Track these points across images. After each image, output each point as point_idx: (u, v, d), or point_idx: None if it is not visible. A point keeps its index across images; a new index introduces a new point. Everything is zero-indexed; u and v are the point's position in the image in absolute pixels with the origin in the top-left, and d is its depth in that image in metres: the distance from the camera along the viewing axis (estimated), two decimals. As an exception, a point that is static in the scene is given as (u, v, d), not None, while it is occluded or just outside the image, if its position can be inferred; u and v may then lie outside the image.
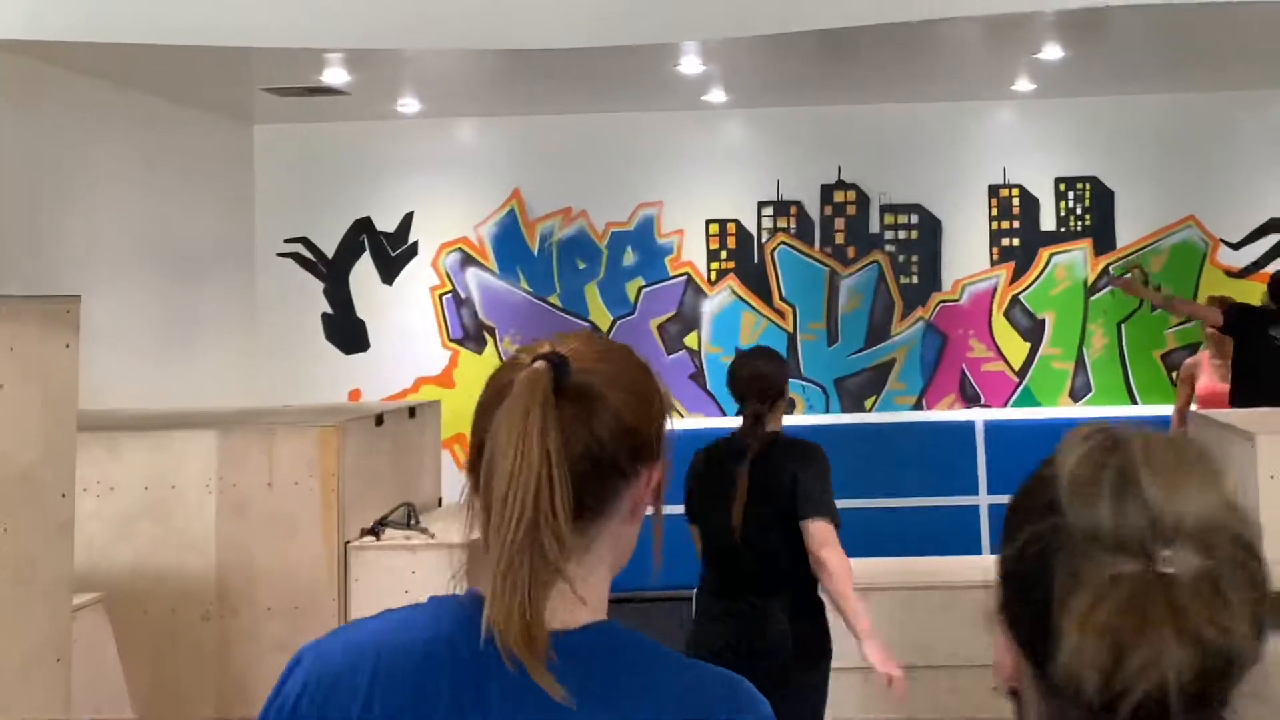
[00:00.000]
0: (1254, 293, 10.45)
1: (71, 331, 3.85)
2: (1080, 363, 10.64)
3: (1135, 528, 1.24)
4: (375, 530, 6.10)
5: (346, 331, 11.08)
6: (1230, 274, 10.56)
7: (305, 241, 11.07)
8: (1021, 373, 10.66)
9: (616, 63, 8.72)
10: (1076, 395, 10.63)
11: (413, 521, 6.22)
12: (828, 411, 10.72)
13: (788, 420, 10.40)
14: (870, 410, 10.71)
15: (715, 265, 10.87)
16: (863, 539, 9.35)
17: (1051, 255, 10.69)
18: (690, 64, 8.91)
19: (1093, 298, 10.66)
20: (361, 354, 11.05)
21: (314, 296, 11.09)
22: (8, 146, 7.98)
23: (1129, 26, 8.28)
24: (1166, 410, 10.05)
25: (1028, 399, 10.63)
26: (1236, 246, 10.57)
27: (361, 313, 11.07)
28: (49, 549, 3.75)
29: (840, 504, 9.73)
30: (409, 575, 5.94)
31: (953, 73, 9.62)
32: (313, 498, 5.96)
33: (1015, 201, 10.72)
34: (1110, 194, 10.67)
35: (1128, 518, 1.25)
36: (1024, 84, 10.02)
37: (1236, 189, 10.53)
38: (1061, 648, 1.23)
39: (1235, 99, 10.48)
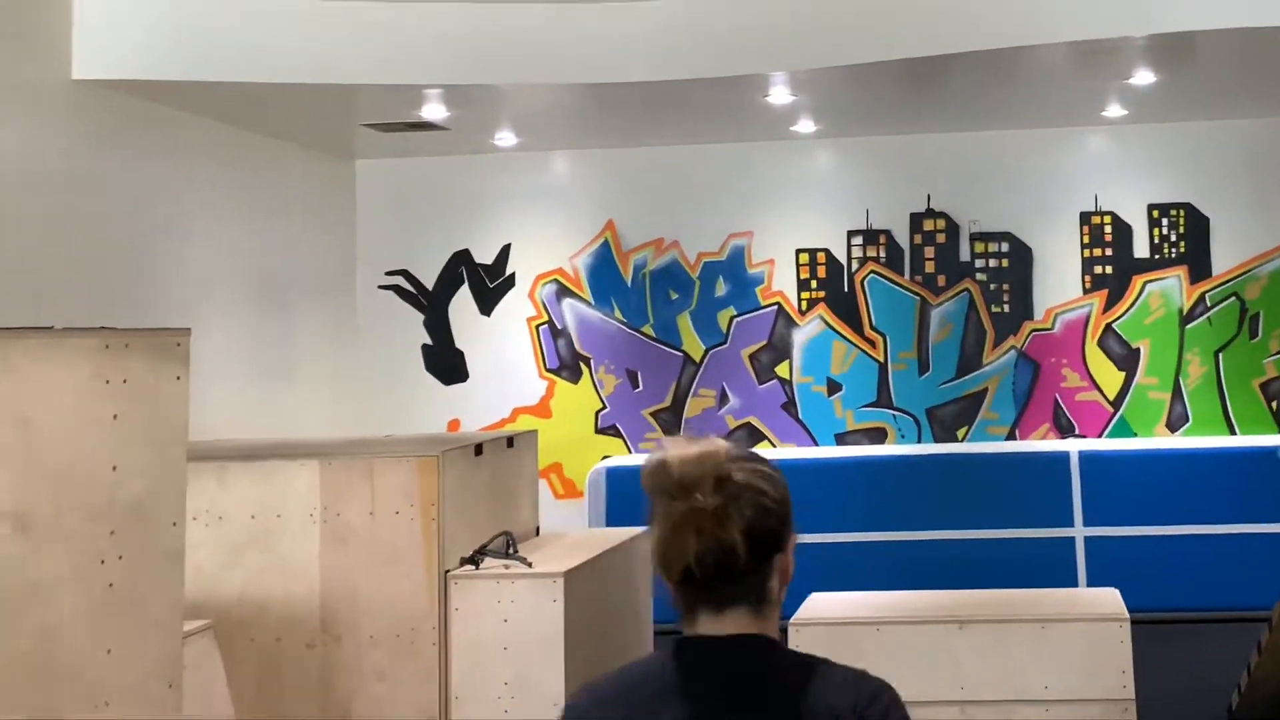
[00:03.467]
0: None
1: (181, 364, 4.00)
2: (1177, 392, 10.55)
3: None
4: (474, 559, 6.21)
5: (446, 362, 11.27)
6: (1323, 303, 10.43)
7: (405, 274, 11.29)
8: (1116, 402, 10.59)
9: (706, 94, 8.84)
10: (1174, 425, 10.52)
11: (511, 550, 6.32)
12: (919, 441, 10.72)
13: (881, 449, 10.50)
14: (963, 440, 10.69)
15: (806, 295, 10.93)
16: (956, 571, 9.39)
17: (1145, 283, 10.62)
18: (779, 94, 9.00)
19: (1189, 325, 10.57)
20: (460, 384, 11.23)
21: (414, 328, 11.29)
22: (118, 183, 8.23)
23: (1219, 50, 8.24)
24: (1267, 440, 9.95)
25: (1124, 429, 10.54)
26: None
27: (460, 343, 11.26)
28: (161, 577, 3.89)
29: (932, 535, 9.87)
30: (509, 604, 6.04)
31: (1042, 99, 9.60)
32: (413, 527, 6.08)
33: (1107, 228, 10.66)
34: (1205, 220, 10.59)
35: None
36: (1115, 109, 9.97)
37: (1334, 213, 10.41)
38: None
39: (1332, 122, 10.37)
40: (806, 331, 10.91)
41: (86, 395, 3.66)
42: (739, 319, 10.97)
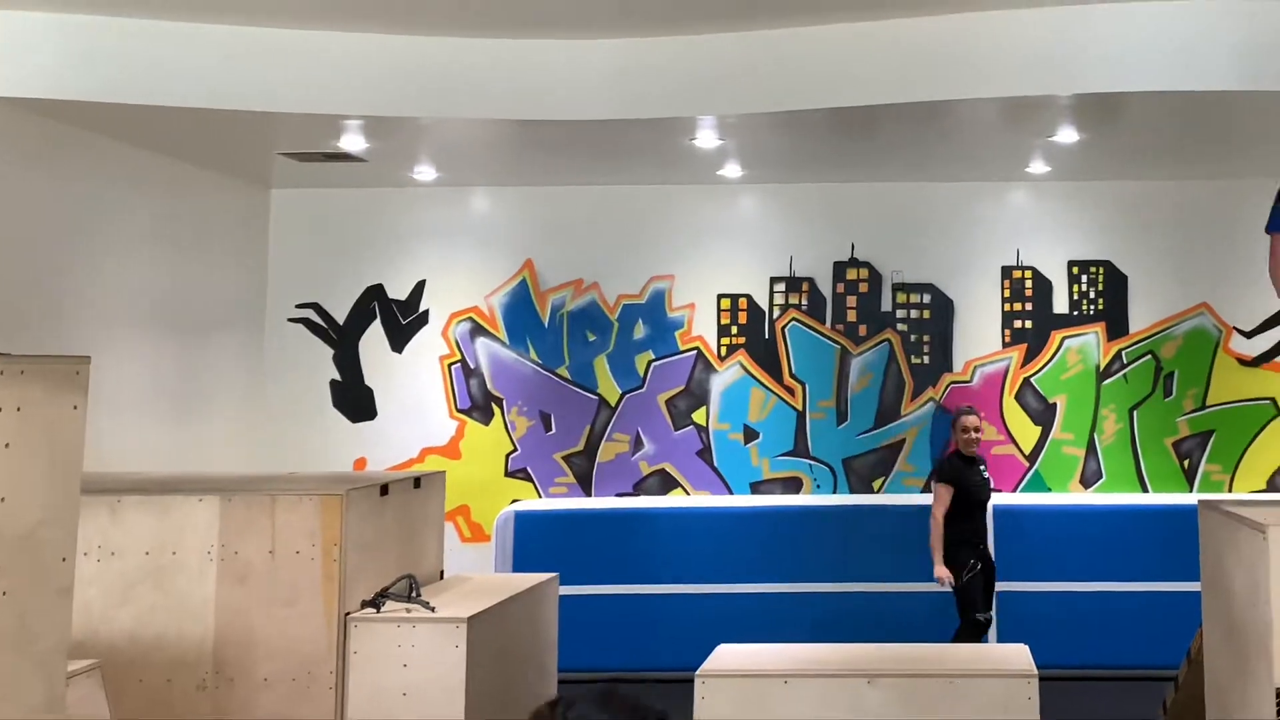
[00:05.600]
0: (1266, 381, 10.41)
1: (79, 393, 3.80)
2: (1092, 448, 10.56)
3: None
4: (376, 602, 6.03)
5: (354, 399, 11.04)
6: (1243, 362, 10.50)
7: (317, 307, 11.06)
8: (1032, 457, 10.58)
9: (633, 135, 8.74)
10: (1088, 481, 10.53)
11: (414, 594, 6.14)
12: (835, 492, 10.64)
13: (796, 499, 10.39)
14: (879, 491, 10.63)
15: (726, 340, 10.83)
16: (868, 624, 9.31)
17: (1064, 339, 10.65)
18: (706, 138, 8.92)
19: (1105, 382, 10.60)
20: (369, 422, 11.00)
21: (323, 363, 11.06)
22: (25, 204, 7.99)
23: (1144, 111, 8.30)
24: (1176, 499, 9.97)
25: (1038, 484, 10.53)
26: (1249, 335, 10.52)
27: (370, 380, 11.04)
28: (48, 613, 3.68)
29: (845, 587, 9.78)
30: (409, 649, 5.86)
31: (968, 153, 9.62)
32: (314, 567, 5.90)
33: (1028, 283, 10.68)
34: (1124, 278, 10.64)
35: None
36: (1039, 166, 10.02)
37: (1250, 277, 10.42)
38: None
39: (1249, 186, 10.36)
40: (725, 378, 10.81)
41: (-26, 422, 3.46)
42: (657, 363, 10.85)
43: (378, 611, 5.98)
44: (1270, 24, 7.37)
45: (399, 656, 5.81)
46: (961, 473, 8.96)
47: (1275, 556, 4.19)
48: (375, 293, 11.06)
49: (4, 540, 3.52)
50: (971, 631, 8.77)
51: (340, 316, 11.06)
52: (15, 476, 3.57)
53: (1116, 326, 10.63)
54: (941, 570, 8.77)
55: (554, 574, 7.38)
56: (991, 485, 9.22)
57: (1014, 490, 10.52)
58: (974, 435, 9.04)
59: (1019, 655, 6.91)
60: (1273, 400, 10.49)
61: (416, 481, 6.98)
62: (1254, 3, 7.34)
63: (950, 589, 8.86)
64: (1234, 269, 10.46)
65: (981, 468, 9.13)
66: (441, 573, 7.16)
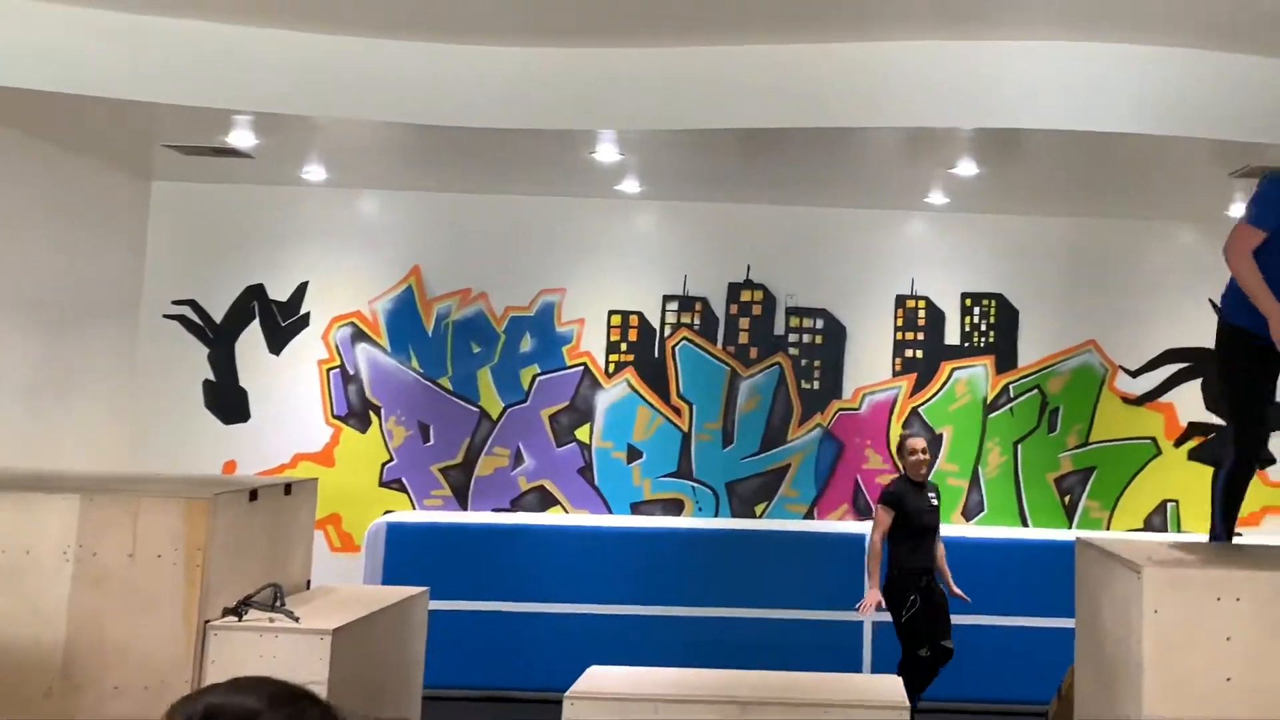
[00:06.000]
0: (1148, 421, 10.48)
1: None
2: (975, 480, 10.57)
3: None
4: (238, 610, 5.78)
5: (227, 400, 10.71)
6: (1127, 401, 10.57)
7: (193, 304, 10.73)
8: (917, 487, 10.54)
9: (530, 145, 8.58)
10: (970, 514, 10.53)
11: (278, 603, 5.90)
12: (717, 515, 10.51)
13: (676, 521, 10.25)
14: (761, 516, 10.52)
15: (615, 357, 10.67)
16: (743, 650, 9.19)
17: (954, 370, 10.64)
18: (606, 152, 8.78)
19: (991, 415, 10.60)
20: (241, 424, 10.68)
21: (197, 361, 10.72)
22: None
23: (1042, 149, 8.35)
24: (1055, 534, 9.99)
25: (919, 515, 10.49)
26: (1134, 374, 10.59)
27: (245, 382, 10.72)
28: None
29: (723, 612, 9.66)
30: (271, 659, 5.62)
31: (868, 181, 9.60)
32: (175, 572, 5.64)
33: (921, 313, 10.67)
34: (1015, 312, 10.67)
35: None
36: (938, 197, 10.03)
37: (1138, 317, 10.59)
38: None
39: (1140, 227, 10.57)
40: (611, 395, 10.65)
41: None
42: (542, 377, 10.66)
43: (239, 620, 5.73)
44: (1166, 72, 7.50)
45: (260, 667, 5.55)
46: (906, 496, 8.75)
47: (1149, 596, 4.17)
48: (255, 292, 10.76)
49: None
50: (917, 667, 8.52)
51: (218, 315, 10.74)
52: None
53: (1005, 360, 10.65)
54: (872, 596, 8.53)
55: (424, 588, 7.17)
56: (937, 512, 8.94)
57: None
58: (920, 457, 8.82)
59: (892, 687, 6.93)
60: (1153, 440, 10.56)
61: (287, 488, 6.73)
62: (1152, 49, 7.45)
63: (873, 616, 8.65)
64: (1123, 308, 10.56)
65: (931, 494, 8.90)
66: (309, 583, 6.92)
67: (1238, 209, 9.63)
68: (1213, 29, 7.18)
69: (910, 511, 8.71)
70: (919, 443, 8.90)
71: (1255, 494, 10.21)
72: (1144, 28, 7.24)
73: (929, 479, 8.97)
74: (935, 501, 8.91)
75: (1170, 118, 7.53)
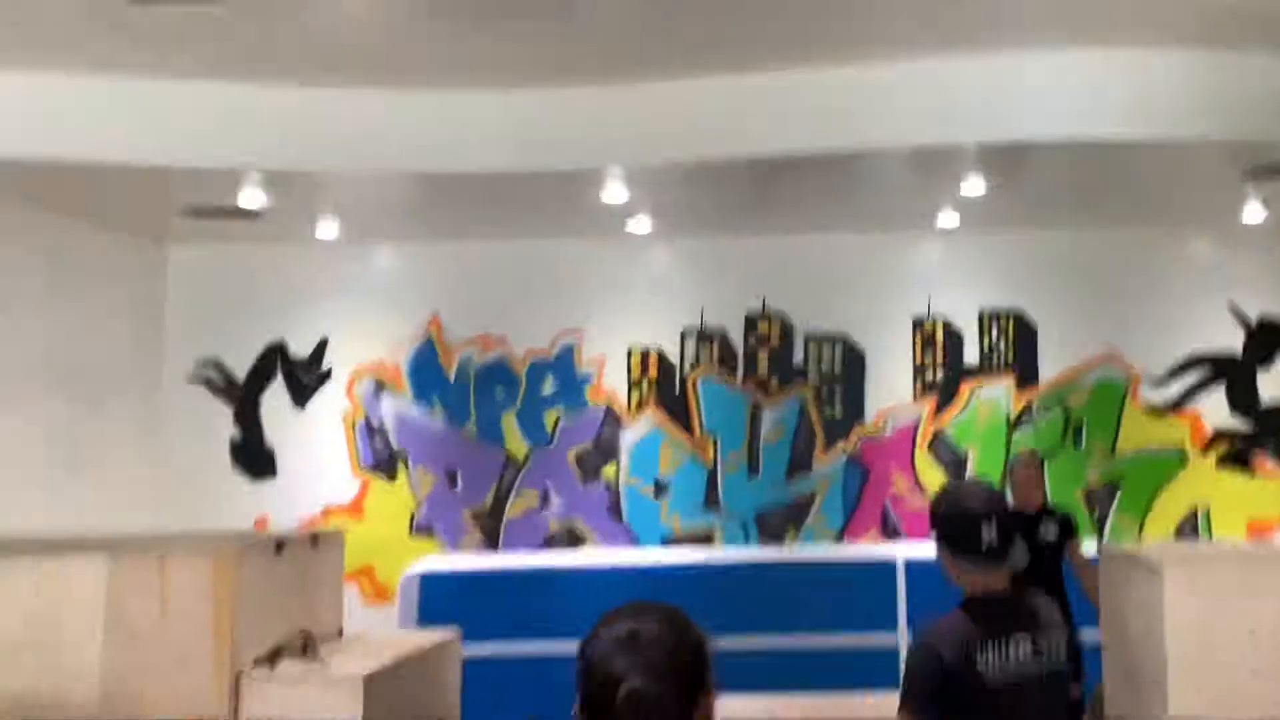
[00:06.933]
0: (1174, 430, 10.44)
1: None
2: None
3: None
4: (270, 661, 5.81)
5: (255, 457, 10.78)
6: (1151, 411, 10.52)
7: (216, 365, 10.82)
8: (944, 509, 10.49)
9: (540, 189, 8.65)
10: (1000, 532, 10.46)
11: (309, 653, 5.93)
12: (747, 545, 10.51)
13: (707, 554, 10.22)
14: (790, 545, 10.52)
15: (636, 395, 10.71)
16: (780, 676, 9.15)
17: (975, 389, 10.63)
18: (613, 192, 8.84)
19: (1016, 433, 10.58)
20: (270, 480, 10.75)
21: (222, 421, 10.80)
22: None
23: (1049, 162, 8.35)
24: (1088, 551, 9.93)
25: (948, 536, 10.44)
26: (1158, 384, 10.55)
27: (271, 438, 10.79)
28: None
29: (759, 640, 9.63)
30: (304, 708, 5.65)
31: (877, 206, 9.63)
32: (205, 627, 5.67)
33: (939, 334, 10.67)
34: (1033, 328, 10.65)
35: None
36: (948, 218, 10.04)
37: (1158, 325, 10.55)
38: None
39: (1155, 235, 10.55)
40: (635, 432, 10.68)
41: None
42: (566, 418, 10.70)
43: (271, 670, 5.76)
44: (1171, 73, 7.48)
45: (294, 716, 5.59)
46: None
47: (1170, 595, 4.16)
48: (277, 350, 10.84)
49: None
50: None
51: (241, 374, 10.83)
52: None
53: (1027, 375, 10.63)
54: None
55: (456, 631, 7.18)
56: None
57: (926, 541, 10.41)
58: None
59: None
60: (1180, 449, 10.51)
61: (314, 539, 6.77)
62: (1150, 54, 7.44)
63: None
64: (1142, 317, 10.53)
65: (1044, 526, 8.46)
66: (340, 631, 6.94)
67: (1252, 210, 9.62)
68: (1215, 27, 7.18)
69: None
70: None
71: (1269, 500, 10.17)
72: (1144, 29, 7.24)
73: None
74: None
75: (1178, 120, 7.51)
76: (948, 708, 3.88)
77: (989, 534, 3.94)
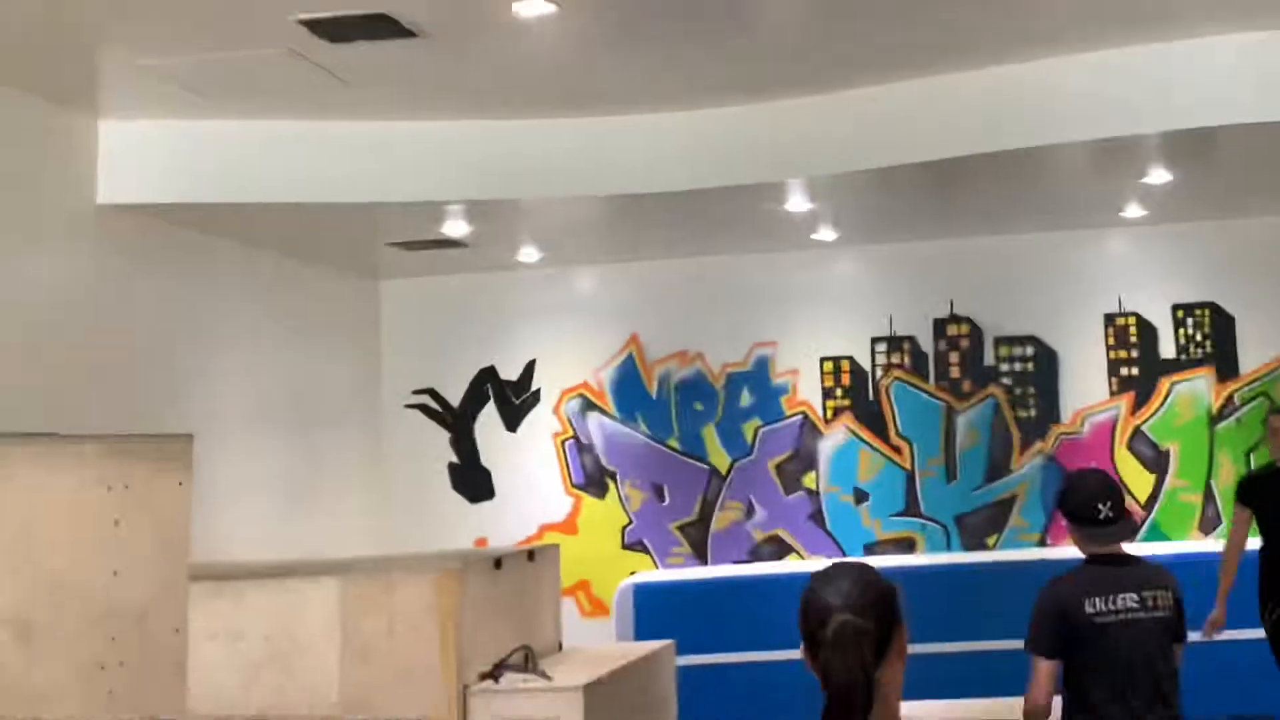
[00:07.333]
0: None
1: (184, 470, 4.00)
2: (1209, 494, 10.40)
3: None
4: (494, 674, 6.15)
5: (472, 480, 11.24)
6: (1362, 397, 10.31)
7: (431, 392, 11.32)
8: (1148, 505, 10.43)
9: (723, 204, 8.88)
10: (1206, 527, 10.36)
11: (531, 665, 6.26)
12: (949, 549, 10.59)
13: (910, 559, 10.33)
14: (993, 548, 10.56)
15: (831, 403, 10.88)
16: (987, 681, 9.18)
17: (1173, 384, 10.54)
18: (797, 202, 9.04)
19: (1218, 426, 10.47)
20: (488, 502, 11.21)
21: (440, 446, 11.30)
22: (142, 307, 8.28)
23: (1236, 146, 8.22)
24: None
25: (1156, 533, 10.37)
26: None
27: (486, 461, 11.25)
28: (162, 684, 3.85)
29: (965, 646, 9.69)
30: (527, 717, 5.96)
31: (1061, 201, 9.61)
32: (432, 642, 6.03)
33: (1132, 330, 10.59)
34: (1230, 319, 10.51)
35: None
36: (1134, 210, 9.94)
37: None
38: None
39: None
40: (832, 441, 10.85)
41: (87, 500, 3.66)
42: (764, 429, 10.93)
43: (496, 683, 6.09)
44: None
45: (518, 725, 5.91)
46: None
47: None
48: (487, 374, 11.30)
49: (119, 615, 3.70)
50: None
51: (455, 400, 11.31)
52: (125, 551, 3.76)
53: (1227, 369, 10.49)
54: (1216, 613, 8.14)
55: (670, 641, 7.45)
56: None
57: (1132, 540, 10.36)
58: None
59: None
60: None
61: (530, 555, 7.11)
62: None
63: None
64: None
65: None
66: (560, 644, 7.27)
67: None
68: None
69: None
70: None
71: None
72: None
73: None
74: None
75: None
76: (1062, 644, 4.86)
77: (1104, 510, 4.90)
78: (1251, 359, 10.47)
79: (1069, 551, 9.92)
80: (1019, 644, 9.12)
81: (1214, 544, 10.11)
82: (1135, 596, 4.89)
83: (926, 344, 10.82)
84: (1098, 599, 4.84)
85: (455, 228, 9.29)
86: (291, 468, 9.91)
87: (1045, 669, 4.85)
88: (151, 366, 8.35)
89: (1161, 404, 10.52)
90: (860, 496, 10.76)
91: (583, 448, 11.16)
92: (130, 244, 8.15)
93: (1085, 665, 4.87)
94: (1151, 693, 4.88)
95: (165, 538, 3.91)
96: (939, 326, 10.82)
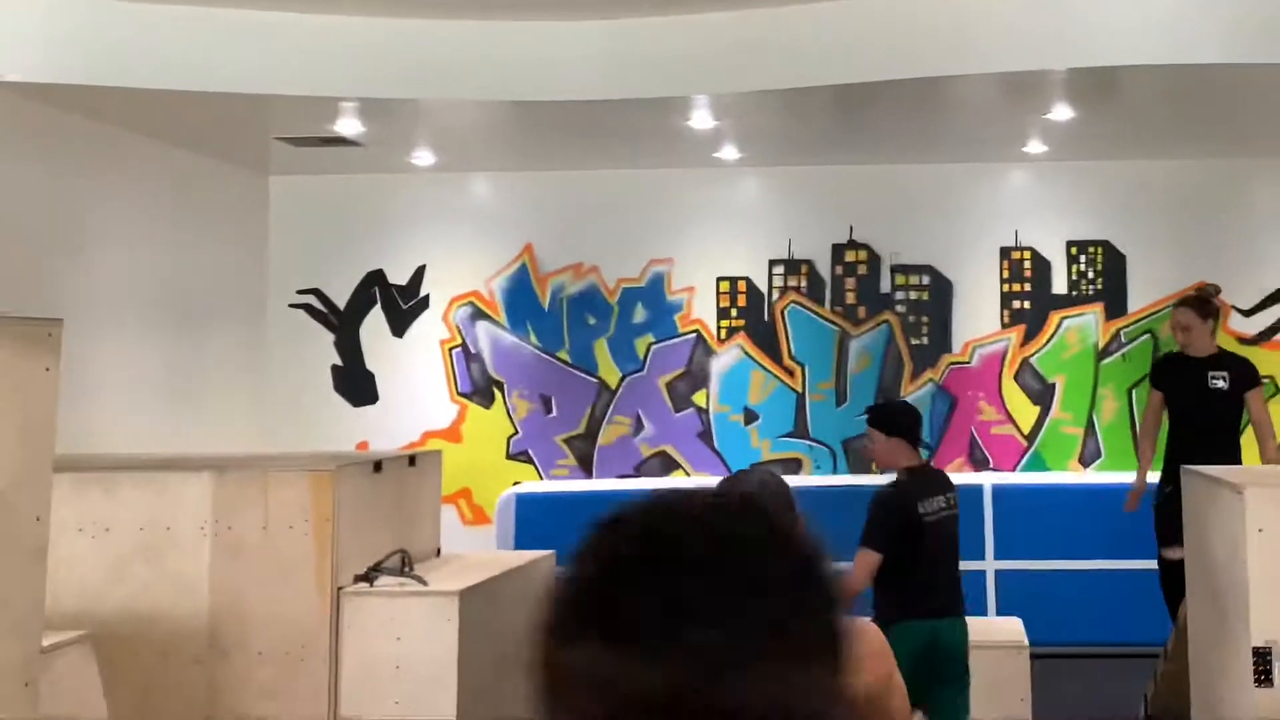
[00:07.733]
0: (1264, 360, 10.37)
1: (52, 355, 3.83)
2: (1091, 428, 10.56)
3: None
4: (368, 576, 6.05)
5: (356, 383, 11.07)
6: (1242, 341, 10.45)
7: (317, 293, 11.10)
8: (1031, 437, 10.57)
9: (629, 117, 8.76)
10: (1087, 460, 10.53)
11: (407, 569, 6.17)
12: (835, 473, 10.65)
13: (796, 480, 10.38)
14: (877, 473, 10.62)
15: (725, 323, 10.85)
16: (863, 596, 9.30)
17: (1063, 319, 10.64)
18: (701, 119, 8.94)
19: (1104, 362, 10.59)
20: (370, 406, 11.04)
21: (324, 348, 11.10)
22: (19, 190, 8.01)
23: (1140, 88, 8.28)
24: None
25: (1037, 463, 10.53)
26: (1248, 313, 10.50)
27: (371, 365, 11.08)
28: (21, 574, 3.71)
29: (842, 565, 9.76)
30: (402, 623, 5.88)
31: (965, 133, 9.63)
32: (306, 542, 5.91)
33: (1027, 264, 10.67)
34: (1122, 258, 10.62)
35: None
36: (1036, 146, 10.01)
37: (1249, 255, 10.46)
38: None
39: (1248, 165, 10.43)
40: (725, 360, 10.82)
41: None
42: (657, 346, 10.87)
43: (370, 586, 6.00)
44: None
45: (391, 630, 5.83)
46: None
47: (1252, 517, 4.23)
48: (375, 278, 11.10)
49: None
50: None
51: (341, 302, 11.11)
52: (-14, 435, 3.60)
53: (1115, 306, 10.61)
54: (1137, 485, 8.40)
55: (550, 551, 7.39)
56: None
57: (1013, 470, 10.51)
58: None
59: (1013, 628, 7.18)
60: (1271, 379, 10.45)
61: (411, 460, 7.00)
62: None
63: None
64: (1232, 247, 10.45)
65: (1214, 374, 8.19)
66: (439, 550, 7.18)
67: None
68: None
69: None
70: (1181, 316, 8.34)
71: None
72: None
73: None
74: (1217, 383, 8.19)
75: (1273, 42, 7.36)
76: (896, 540, 5.91)
77: (921, 430, 6.57)
78: (1140, 298, 10.60)
79: (953, 478, 10.04)
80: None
81: (1093, 476, 10.29)
82: (943, 499, 6.14)
83: (824, 269, 10.80)
84: (925, 501, 6.03)
85: (349, 125, 9.06)
86: (171, 363, 9.69)
87: (873, 561, 5.90)
88: (24, 256, 8.07)
89: (1050, 338, 10.62)
90: (750, 417, 10.76)
91: (470, 356, 11.03)
92: (7, 126, 7.85)
93: (910, 557, 5.90)
94: (953, 578, 6.16)
95: (28, 423, 3.74)
96: (837, 252, 10.80)
